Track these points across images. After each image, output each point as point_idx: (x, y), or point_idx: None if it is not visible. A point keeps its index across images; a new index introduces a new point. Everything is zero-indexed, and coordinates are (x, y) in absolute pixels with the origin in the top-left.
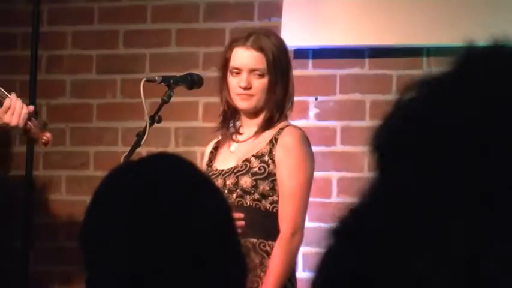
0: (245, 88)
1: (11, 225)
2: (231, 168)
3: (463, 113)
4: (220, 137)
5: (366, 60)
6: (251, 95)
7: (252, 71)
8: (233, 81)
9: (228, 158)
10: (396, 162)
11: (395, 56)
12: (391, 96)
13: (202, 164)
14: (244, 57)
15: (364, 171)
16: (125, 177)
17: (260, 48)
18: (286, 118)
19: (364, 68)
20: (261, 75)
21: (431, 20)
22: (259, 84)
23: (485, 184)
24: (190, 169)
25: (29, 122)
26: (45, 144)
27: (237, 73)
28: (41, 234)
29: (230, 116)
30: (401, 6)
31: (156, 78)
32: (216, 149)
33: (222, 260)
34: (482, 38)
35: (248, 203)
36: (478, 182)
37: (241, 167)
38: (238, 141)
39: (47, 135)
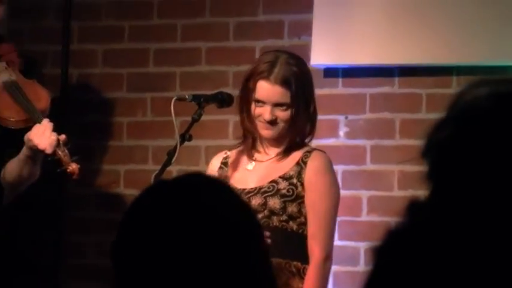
0: (270, 122)
1: (43, 242)
2: (254, 188)
3: None
4: (228, 153)
5: (396, 79)
6: (275, 125)
7: (276, 104)
8: (257, 111)
9: (246, 177)
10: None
11: (425, 75)
12: (421, 115)
13: None
14: (269, 92)
15: (394, 190)
16: (160, 198)
17: (285, 83)
18: (307, 143)
19: (394, 87)
20: (285, 108)
21: (461, 39)
22: (284, 115)
23: None
24: (223, 189)
25: (57, 150)
26: (71, 174)
27: (261, 104)
28: (71, 252)
29: (250, 135)
30: (431, 25)
31: (187, 96)
32: (225, 164)
33: (253, 276)
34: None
35: (275, 224)
36: None
37: (268, 187)
38: (256, 160)
39: (74, 167)
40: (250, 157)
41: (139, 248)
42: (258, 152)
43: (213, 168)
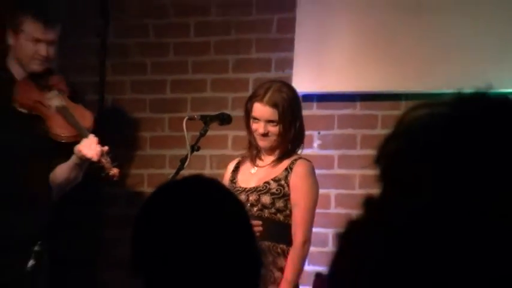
0: (263, 134)
1: (82, 236)
2: (253, 187)
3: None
4: (240, 159)
5: (358, 103)
6: (267, 137)
7: (268, 121)
8: (254, 126)
9: (249, 179)
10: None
11: (380, 100)
12: (377, 131)
13: (225, 178)
14: (261, 111)
15: (355, 189)
16: (169, 193)
17: (274, 105)
18: (297, 152)
19: (356, 109)
20: (275, 124)
21: (409, 71)
22: (274, 130)
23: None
24: (218, 186)
25: (102, 158)
26: (113, 177)
27: (257, 121)
28: (106, 245)
29: (254, 147)
30: (384, 60)
31: (196, 116)
32: (237, 168)
33: (242, 255)
34: (451, 86)
35: (266, 216)
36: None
37: (262, 187)
38: (258, 166)
39: (115, 171)
40: (254, 163)
41: (154, 233)
42: (260, 159)
43: (229, 171)
